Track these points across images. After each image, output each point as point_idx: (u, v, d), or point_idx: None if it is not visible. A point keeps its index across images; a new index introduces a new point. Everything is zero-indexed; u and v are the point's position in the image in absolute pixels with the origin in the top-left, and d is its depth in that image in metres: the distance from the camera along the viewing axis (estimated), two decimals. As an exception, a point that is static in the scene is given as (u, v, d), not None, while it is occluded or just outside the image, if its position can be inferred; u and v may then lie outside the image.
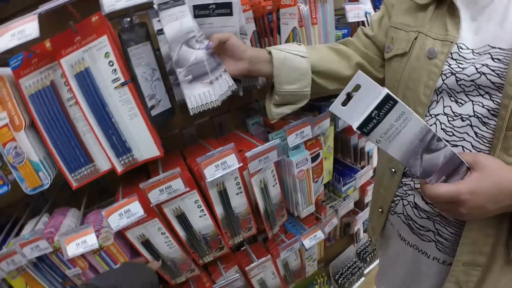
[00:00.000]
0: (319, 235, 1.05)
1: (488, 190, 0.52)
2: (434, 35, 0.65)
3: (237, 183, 0.91)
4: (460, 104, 0.61)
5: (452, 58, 0.62)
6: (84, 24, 0.72)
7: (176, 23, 0.72)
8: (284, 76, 0.78)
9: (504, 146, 0.56)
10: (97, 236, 0.80)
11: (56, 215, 0.90)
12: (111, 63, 0.73)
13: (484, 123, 0.59)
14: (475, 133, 0.60)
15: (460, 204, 0.53)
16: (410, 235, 0.76)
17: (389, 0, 0.81)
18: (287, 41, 0.90)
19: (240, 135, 1.01)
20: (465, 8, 0.63)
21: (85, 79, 0.73)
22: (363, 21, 1.05)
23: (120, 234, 0.85)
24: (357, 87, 0.50)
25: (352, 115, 0.51)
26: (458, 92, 0.61)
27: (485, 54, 0.58)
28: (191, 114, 0.75)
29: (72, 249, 0.77)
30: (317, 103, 1.07)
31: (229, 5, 0.77)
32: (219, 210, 0.91)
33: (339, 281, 1.46)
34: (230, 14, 0.78)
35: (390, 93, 0.49)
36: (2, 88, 0.73)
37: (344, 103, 0.51)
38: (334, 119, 1.04)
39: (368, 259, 1.59)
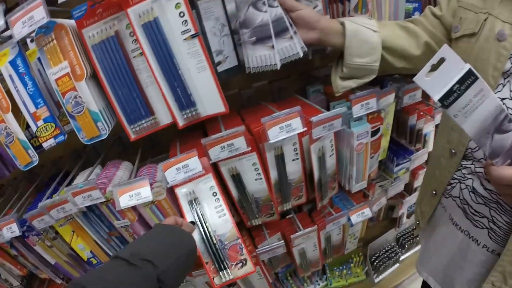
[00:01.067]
0: (367, 212, 1.03)
1: None
2: (504, 17, 0.62)
3: (295, 149, 0.88)
4: None
5: None
6: None
7: None
8: (355, 48, 0.77)
9: None
10: (151, 190, 0.79)
11: (109, 167, 0.90)
12: (181, 14, 0.70)
13: None
14: None
15: None
16: (463, 220, 0.74)
17: None
18: (355, 8, 0.85)
19: (300, 100, 0.98)
20: None
21: (153, 29, 0.70)
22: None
23: (171, 190, 0.85)
24: (441, 60, 0.50)
25: (435, 87, 0.52)
26: None
27: None
28: (247, 72, 0.76)
29: (125, 200, 0.77)
30: (380, 76, 1.02)
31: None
32: (273, 174, 0.90)
33: (375, 263, 1.44)
34: None
35: (472, 69, 0.49)
36: (65, 37, 0.72)
37: (428, 75, 0.52)
38: (398, 95, 0.98)
39: (406, 246, 1.56)
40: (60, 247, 0.94)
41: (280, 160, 0.87)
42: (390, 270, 1.52)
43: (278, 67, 0.74)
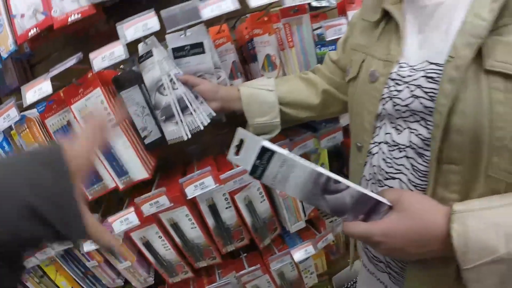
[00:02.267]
0: (310, 250, 1.08)
1: (405, 233, 0.49)
2: (377, 55, 0.61)
3: (226, 198, 1.00)
4: (398, 132, 0.57)
5: (391, 79, 0.57)
6: (84, 79, 0.91)
7: (149, 74, 0.86)
8: (254, 111, 0.85)
9: (441, 181, 0.51)
10: None
11: None
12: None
13: (419, 155, 0.54)
14: (412, 165, 0.56)
15: (375, 245, 0.51)
16: (368, 263, 0.76)
17: (353, 19, 0.79)
18: (262, 67, 0.95)
19: None
20: (413, 19, 0.57)
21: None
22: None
23: (128, 235, 1.03)
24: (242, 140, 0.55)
25: (244, 162, 0.55)
26: (396, 118, 0.57)
27: (421, 71, 0.52)
28: (168, 143, 0.91)
29: (87, 246, 0.99)
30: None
31: (201, 45, 0.87)
32: (210, 221, 1.03)
33: None
34: (203, 52, 0.88)
35: (266, 145, 0.52)
36: (33, 126, 0.97)
37: (238, 153, 0.56)
38: (317, 137, 1.04)
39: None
40: (47, 284, 1.18)
41: (213, 209, 1.01)
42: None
43: (185, 138, 0.87)
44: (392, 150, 0.58)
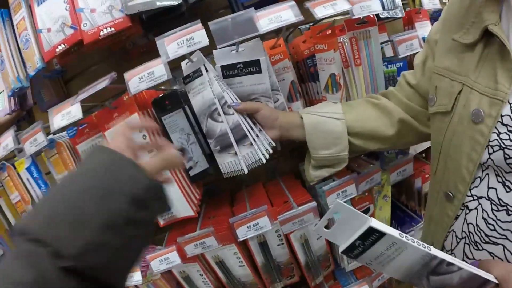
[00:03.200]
0: (365, 289, 0.97)
1: None
2: (481, 88, 0.50)
3: (278, 235, 0.89)
4: (508, 189, 0.48)
5: (502, 124, 0.47)
6: (118, 102, 0.79)
7: (199, 96, 0.74)
8: (318, 142, 0.74)
9: None
10: (144, 274, 0.91)
11: None
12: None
13: None
14: None
15: None
16: None
17: (432, 36, 0.67)
18: (325, 88, 0.82)
19: (294, 181, 0.99)
20: None
21: (127, 150, 0.80)
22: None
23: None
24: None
25: (337, 237, 0.47)
26: (507, 173, 0.48)
27: None
28: (224, 177, 0.78)
29: None
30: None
31: (257, 63, 0.75)
32: (259, 258, 0.92)
33: None
34: (259, 71, 0.75)
35: (375, 226, 0.43)
36: (63, 152, 0.87)
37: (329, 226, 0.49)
38: (386, 170, 0.91)
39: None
40: None
41: (264, 246, 0.89)
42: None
43: (246, 172, 0.74)
44: (497, 210, 0.50)
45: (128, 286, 0.92)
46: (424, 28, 0.94)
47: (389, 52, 0.91)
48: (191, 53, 0.74)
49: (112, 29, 0.79)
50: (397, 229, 1.03)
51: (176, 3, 0.78)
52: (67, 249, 0.33)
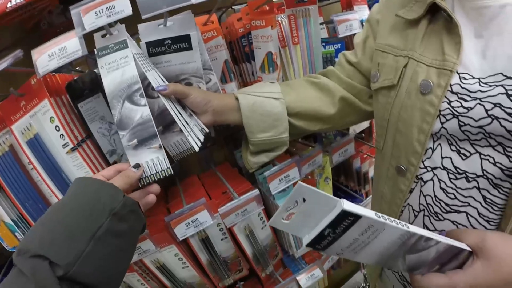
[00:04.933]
0: (317, 273, 0.96)
1: (493, 284, 0.41)
2: (428, 60, 0.51)
3: (221, 229, 0.83)
4: (463, 157, 0.48)
5: (452, 92, 0.48)
6: (25, 87, 0.66)
7: (117, 72, 0.61)
8: (256, 125, 0.68)
9: None
10: None
11: None
12: (57, 128, 0.66)
13: (496, 186, 0.46)
14: (484, 197, 0.48)
15: None
16: None
17: (374, 16, 0.67)
18: (261, 67, 0.77)
19: (231, 169, 0.93)
20: (467, 20, 0.48)
21: (37, 145, 0.67)
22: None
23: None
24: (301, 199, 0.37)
25: (299, 229, 0.40)
26: (461, 140, 0.48)
27: (497, 87, 0.43)
28: (140, 185, 0.62)
29: None
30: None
31: (187, 38, 0.67)
32: (203, 256, 0.85)
33: None
34: (190, 48, 0.67)
35: (349, 208, 0.36)
36: None
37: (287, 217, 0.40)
38: (328, 152, 0.90)
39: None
40: None
41: (207, 243, 0.83)
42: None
43: (197, 149, 0.64)
44: (455, 179, 0.50)
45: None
46: (362, 12, 0.94)
47: (324, 35, 0.89)
48: (110, 25, 0.64)
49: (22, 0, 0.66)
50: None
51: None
52: (62, 260, 0.40)
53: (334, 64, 0.88)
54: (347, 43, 0.91)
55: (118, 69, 0.61)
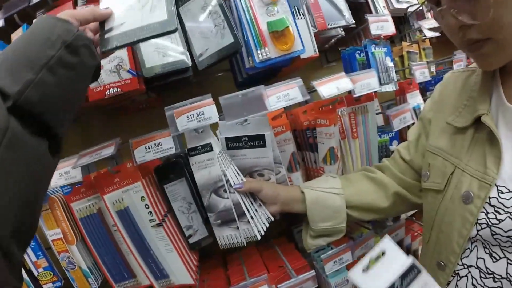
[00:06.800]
0: None
1: None
2: (471, 171, 0.57)
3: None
4: (494, 259, 0.54)
5: (490, 205, 0.53)
6: (121, 168, 0.78)
7: (205, 171, 0.74)
8: (318, 215, 0.76)
9: None
10: None
11: None
12: (146, 206, 0.77)
13: None
14: None
15: None
16: None
17: (426, 114, 0.74)
18: (324, 160, 0.85)
19: (278, 247, 0.99)
20: (508, 131, 0.54)
21: (126, 216, 0.79)
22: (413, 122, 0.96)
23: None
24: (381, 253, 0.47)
25: (373, 283, 0.45)
26: (493, 245, 0.54)
27: None
28: (220, 248, 0.78)
29: None
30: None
31: (262, 137, 0.76)
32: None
33: None
34: (264, 145, 0.77)
35: (416, 263, 0.45)
36: (57, 209, 0.84)
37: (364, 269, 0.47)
38: (378, 234, 0.95)
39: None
40: None
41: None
42: None
43: (245, 244, 0.76)
44: (485, 278, 0.55)
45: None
46: (414, 98, 1.01)
47: (380, 121, 0.96)
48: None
49: (119, 89, 0.79)
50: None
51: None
52: (10, 87, 0.41)
53: (388, 151, 0.95)
54: (401, 131, 0.98)
55: (206, 168, 0.74)
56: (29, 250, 0.89)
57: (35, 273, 0.90)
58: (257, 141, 0.77)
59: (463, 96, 0.63)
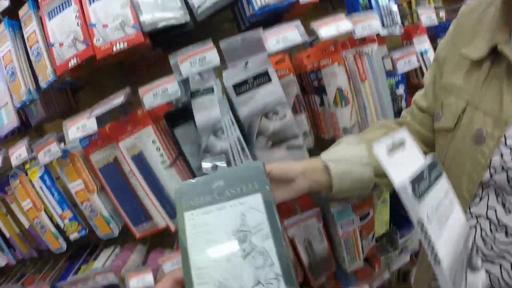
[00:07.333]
0: (367, 291, 1.03)
1: None
2: (485, 107, 0.49)
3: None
4: (508, 211, 0.47)
5: (506, 146, 0.46)
6: (132, 116, 0.83)
7: (205, 112, 0.77)
8: (345, 189, 0.66)
9: None
10: (155, 276, 0.93)
11: (126, 250, 1.08)
12: (158, 149, 0.82)
13: None
14: None
15: None
16: None
17: (440, 53, 0.65)
18: (334, 102, 0.85)
19: None
20: None
21: (140, 161, 0.85)
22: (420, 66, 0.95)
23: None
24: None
25: (400, 167, 0.37)
26: (508, 194, 0.47)
27: None
28: None
29: (134, 283, 0.92)
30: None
31: (265, 73, 0.79)
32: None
33: None
34: (269, 80, 0.79)
35: (438, 162, 0.39)
36: (77, 162, 0.91)
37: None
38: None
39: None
40: None
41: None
42: None
43: None
44: (496, 231, 0.49)
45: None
46: (422, 43, 0.99)
47: (389, 65, 0.94)
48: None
49: (125, 44, 0.82)
50: (396, 233, 1.10)
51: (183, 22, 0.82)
52: None
53: (395, 96, 0.94)
54: (408, 75, 0.97)
55: (206, 110, 0.77)
56: (54, 205, 0.97)
57: (61, 225, 0.98)
58: (262, 78, 0.78)
59: (480, 27, 0.55)
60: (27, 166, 0.97)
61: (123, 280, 0.97)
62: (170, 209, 0.87)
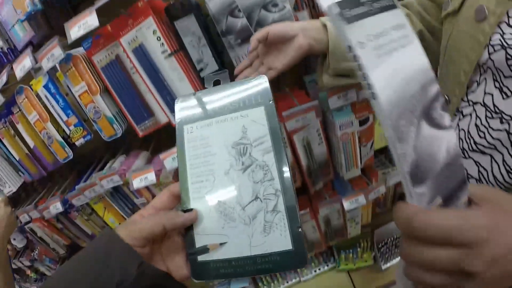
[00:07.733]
0: (361, 200, 1.05)
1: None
2: None
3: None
4: (504, 96, 0.44)
5: (508, 25, 0.43)
6: (133, 9, 0.82)
7: None
8: (342, 53, 0.66)
9: None
10: (158, 175, 0.98)
11: (131, 157, 1.12)
12: (158, 39, 0.83)
13: None
14: (511, 144, 0.43)
15: (474, 248, 0.28)
16: None
17: None
18: None
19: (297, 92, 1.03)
20: None
21: (141, 52, 0.86)
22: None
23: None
24: None
25: None
26: (506, 77, 0.44)
27: None
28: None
29: (137, 183, 0.97)
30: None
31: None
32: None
33: (381, 250, 1.39)
34: None
35: None
36: (79, 64, 0.92)
37: None
38: None
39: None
40: (96, 221, 1.21)
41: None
42: (398, 258, 1.42)
43: None
44: (491, 118, 0.46)
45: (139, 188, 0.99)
46: None
47: None
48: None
49: None
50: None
51: None
52: None
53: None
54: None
55: None
56: (59, 111, 1.00)
57: (67, 132, 1.01)
58: None
59: None
60: (32, 81, 1.00)
61: (127, 184, 1.01)
62: (171, 101, 0.88)
